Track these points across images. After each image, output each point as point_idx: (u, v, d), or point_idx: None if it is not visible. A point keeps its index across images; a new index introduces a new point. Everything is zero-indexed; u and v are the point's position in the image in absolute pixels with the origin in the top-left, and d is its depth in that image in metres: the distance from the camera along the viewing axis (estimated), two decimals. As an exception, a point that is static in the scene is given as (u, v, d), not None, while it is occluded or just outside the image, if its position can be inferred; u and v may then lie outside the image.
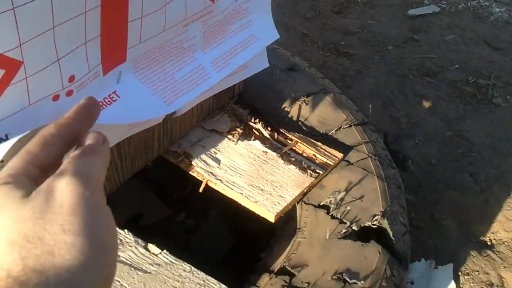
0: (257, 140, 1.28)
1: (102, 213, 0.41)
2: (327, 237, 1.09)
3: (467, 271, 1.60)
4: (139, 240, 1.04)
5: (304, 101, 1.43)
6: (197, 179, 1.20)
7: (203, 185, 1.18)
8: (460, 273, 1.59)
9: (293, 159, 1.24)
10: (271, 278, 1.02)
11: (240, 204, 1.16)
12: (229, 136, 1.29)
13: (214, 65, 1.14)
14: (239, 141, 1.28)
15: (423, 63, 2.44)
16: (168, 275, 1.00)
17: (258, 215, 1.14)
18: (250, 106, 1.42)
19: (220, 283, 1.00)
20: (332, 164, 1.24)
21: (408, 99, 2.20)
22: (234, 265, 1.45)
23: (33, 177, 0.42)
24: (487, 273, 1.60)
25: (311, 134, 1.35)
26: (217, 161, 1.23)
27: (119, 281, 0.98)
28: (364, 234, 1.11)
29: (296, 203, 1.17)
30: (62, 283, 0.35)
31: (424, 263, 1.52)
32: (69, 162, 0.43)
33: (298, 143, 1.29)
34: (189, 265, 1.02)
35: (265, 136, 1.30)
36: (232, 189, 1.16)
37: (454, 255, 1.64)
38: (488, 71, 2.43)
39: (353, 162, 1.26)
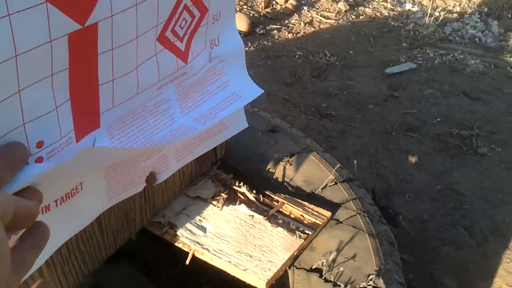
0: (242, 204, 1.23)
1: None
2: (322, 302, 1.02)
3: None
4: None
5: (288, 161, 1.40)
6: (183, 250, 1.14)
7: (189, 256, 1.12)
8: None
9: (281, 221, 1.19)
10: None
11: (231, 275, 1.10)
12: (214, 202, 1.24)
13: (198, 121, 1.11)
14: (224, 207, 1.23)
15: (405, 119, 2.44)
16: None
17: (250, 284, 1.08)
18: (233, 170, 1.39)
19: None
20: (321, 223, 1.19)
21: (393, 155, 2.18)
22: None
23: None
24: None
25: (298, 194, 1.31)
26: (203, 229, 1.17)
27: None
28: (360, 296, 1.04)
29: (287, 268, 1.11)
30: None
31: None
32: None
33: (285, 204, 1.24)
34: None
35: (251, 200, 1.25)
36: (220, 257, 1.10)
37: (458, 314, 1.56)
38: (470, 122, 2.44)
39: (342, 220, 1.21)
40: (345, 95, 2.65)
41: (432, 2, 4.06)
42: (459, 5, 4.09)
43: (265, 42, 3.17)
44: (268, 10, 3.63)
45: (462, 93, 2.71)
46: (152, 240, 1.21)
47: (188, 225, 1.17)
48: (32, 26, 0.66)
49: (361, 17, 3.74)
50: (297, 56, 3.04)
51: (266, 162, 1.41)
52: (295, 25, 3.49)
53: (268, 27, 3.39)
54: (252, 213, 1.20)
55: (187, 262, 1.11)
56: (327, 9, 3.76)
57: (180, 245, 1.13)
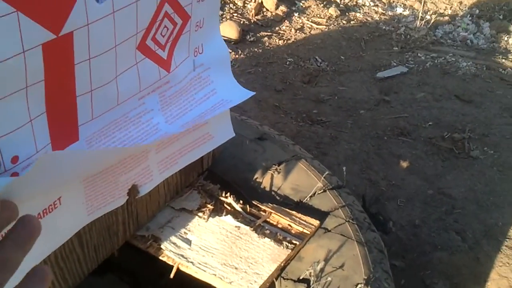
0: (229, 215, 1.21)
1: None
2: (310, 313, 1.00)
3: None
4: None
5: (276, 169, 1.38)
6: (167, 264, 1.12)
7: (174, 270, 1.10)
8: None
9: (268, 231, 1.17)
10: None
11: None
12: (200, 214, 1.22)
13: (185, 127, 1.09)
14: (210, 218, 1.21)
15: (397, 123, 2.43)
16: None
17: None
18: (220, 180, 1.37)
19: None
20: (309, 233, 1.17)
21: (385, 160, 2.17)
22: None
23: None
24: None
25: (285, 203, 1.29)
26: (188, 242, 1.15)
27: None
28: (349, 306, 1.03)
29: (274, 279, 1.09)
30: None
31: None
32: None
33: (272, 214, 1.22)
34: None
35: (237, 210, 1.23)
36: (205, 270, 1.08)
37: (451, 320, 1.55)
38: (462, 125, 2.43)
39: (330, 229, 1.19)
40: (336, 100, 2.64)
41: (423, 5, 4.06)
42: (450, 7, 4.09)
43: (256, 49, 3.16)
44: (259, 17, 3.62)
45: (454, 96, 2.71)
46: (138, 251, 1.19)
47: (173, 238, 1.15)
48: (2, 36, 0.64)
49: (352, 22, 3.73)
50: (288, 63, 3.03)
51: (254, 170, 1.39)
52: (285, 31, 3.48)
53: (258, 34, 3.38)
54: (238, 224, 1.18)
55: (171, 275, 1.09)
56: (318, 15, 3.76)
57: (164, 259, 1.11)
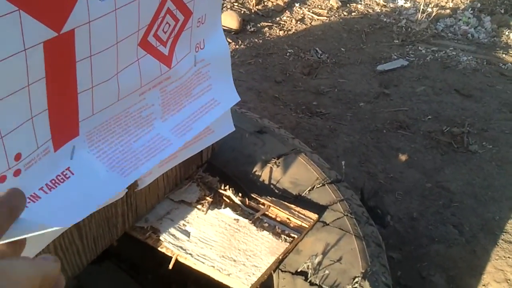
0: (227, 208, 1.22)
1: None
2: (307, 306, 1.02)
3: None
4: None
5: (275, 163, 1.39)
6: (166, 255, 1.13)
7: (172, 261, 1.11)
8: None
9: (266, 224, 1.19)
10: None
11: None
12: (199, 206, 1.23)
13: (174, 132, 1.10)
14: (209, 211, 1.22)
15: (396, 116, 2.44)
16: None
17: (235, 287, 1.07)
18: (220, 172, 1.38)
19: None
20: (307, 226, 1.18)
21: (384, 153, 2.18)
22: None
23: None
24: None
25: (284, 197, 1.30)
26: (187, 233, 1.17)
27: None
28: (345, 299, 1.04)
29: (272, 272, 1.11)
30: None
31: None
32: None
33: (271, 207, 1.24)
34: None
35: (236, 203, 1.25)
36: (203, 262, 1.09)
37: (446, 312, 1.57)
38: (461, 119, 2.43)
39: (329, 223, 1.21)
40: (336, 93, 2.64)
41: (425, -3, 4.05)
42: (452, 0, 4.08)
43: (256, 40, 3.16)
44: (259, 7, 3.61)
45: (454, 90, 2.71)
46: (137, 241, 1.20)
47: (172, 230, 1.16)
48: (4, 34, 0.65)
49: (353, 13, 3.73)
50: (288, 54, 3.03)
51: (253, 164, 1.41)
52: (286, 22, 3.48)
53: (259, 25, 3.37)
54: (237, 216, 1.19)
55: (170, 266, 1.10)
56: (319, 6, 3.75)
57: (163, 250, 1.12)
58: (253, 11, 3.55)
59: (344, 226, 1.20)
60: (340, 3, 3.83)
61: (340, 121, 2.38)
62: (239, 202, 1.25)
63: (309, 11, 3.65)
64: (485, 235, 1.80)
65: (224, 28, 3.16)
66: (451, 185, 2.01)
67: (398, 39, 3.38)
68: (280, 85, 2.68)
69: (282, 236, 1.15)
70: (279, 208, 1.23)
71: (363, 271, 1.09)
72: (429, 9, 3.87)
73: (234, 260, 1.09)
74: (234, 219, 1.19)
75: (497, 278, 1.65)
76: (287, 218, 1.21)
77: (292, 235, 1.16)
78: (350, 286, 1.06)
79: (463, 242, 1.78)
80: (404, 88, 2.71)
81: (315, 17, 3.59)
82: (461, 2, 4.07)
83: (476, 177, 2.07)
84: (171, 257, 1.12)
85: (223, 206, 1.23)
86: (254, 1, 3.62)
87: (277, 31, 3.33)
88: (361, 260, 1.11)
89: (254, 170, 1.39)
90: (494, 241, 1.78)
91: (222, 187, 1.29)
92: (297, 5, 3.73)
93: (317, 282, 1.07)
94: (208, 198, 1.25)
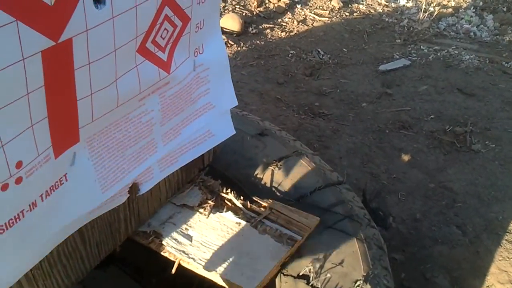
0: (229, 212, 1.23)
1: None
2: (309, 309, 1.02)
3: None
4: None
5: (277, 165, 1.40)
6: (169, 259, 1.14)
7: (175, 266, 1.12)
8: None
9: (268, 228, 1.19)
10: None
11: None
12: (201, 210, 1.24)
13: (164, 137, 1.11)
14: (211, 214, 1.22)
15: (399, 116, 2.44)
16: None
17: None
18: (221, 175, 1.38)
19: None
20: (309, 229, 1.18)
21: (386, 154, 2.18)
22: None
23: None
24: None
25: (286, 199, 1.30)
26: (189, 238, 1.17)
27: None
28: (347, 302, 1.04)
29: (274, 275, 1.11)
30: None
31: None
32: None
33: (273, 211, 1.24)
34: None
35: (238, 206, 1.25)
36: (206, 266, 1.10)
37: (450, 313, 1.56)
38: (464, 118, 2.43)
39: (330, 225, 1.21)
40: (338, 93, 2.64)
41: (427, -4, 4.04)
42: (454, -1, 4.08)
43: (258, 42, 3.17)
44: (261, 9, 3.62)
45: (457, 89, 2.71)
46: (141, 245, 1.20)
47: (174, 234, 1.16)
48: (2, 45, 0.66)
49: (354, 14, 3.73)
50: (290, 55, 3.03)
51: (254, 166, 1.41)
52: (288, 23, 3.48)
53: (261, 26, 3.38)
54: (239, 220, 1.20)
55: (173, 271, 1.11)
56: (321, 7, 3.75)
57: (166, 254, 1.13)
58: (254, 13, 3.55)
59: (345, 229, 1.20)
60: (341, 4, 3.83)
61: (343, 122, 2.38)
62: (240, 206, 1.25)
63: (310, 12, 3.65)
64: (489, 235, 1.80)
65: (226, 30, 3.16)
66: (454, 185, 2.01)
67: (400, 38, 3.38)
68: (282, 86, 2.68)
69: (284, 239, 1.15)
70: (280, 211, 1.23)
71: (364, 274, 1.09)
72: (431, 8, 3.86)
73: (237, 264, 1.09)
74: (236, 223, 1.19)
75: (501, 279, 1.65)
76: (289, 221, 1.21)
77: (294, 238, 1.16)
78: (352, 289, 1.06)
79: (467, 243, 1.77)
80: (407, 87, 2.71)
81: (317, 18, 3.59)
82: (463, 0, 4.07)
83: (479, 177, 2.06)
84: (174, 261, 1.13)
85: (225, 210, 1.23)
86: (255, 3, 3.62)
87: (279, 32, 3.33)
88: (363, 263, 1.12)
89: (256, 173, 1.39)
90: (497, 241, 1.78)
91: (224, 191, 1.29)
92: (298, 6, 3.73)
93: (319, 286, 1.07)
94: (210, 201, 1.25)
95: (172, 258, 1.12)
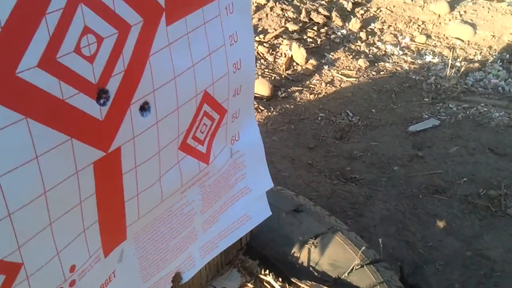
0: (268, 294, 1.24)
1: None
2: None
3: None
4: None
5: (313, 243, 1.41)
6: None
7: None
8: None
9: (307, 311, 1.19)
10: None
11: None
12: (240, 293, 1.25)
13: (204, 224, 1.14)
14: (250, 297, 1.24)
15: (431, 180, 2.43)
16: None
17: None
18: (259, 254, 1.40)
19: None
20: (348, 313, 1.19)
21: (421, 220, 2.17)
22: None
23: None
24: None
25: (324, 280, 1.31)
26: (229, 322, 1.18)
27: None
28: None
29: None
30: None
31: None
32: None
33: (311, 293, 1.25)
34: None
35: (277, 289, 1.26)
36: None
37: None
38: (497, 181, 2.41)
39: (370, 308, 1.21)
40: (369, 156, 2.66)
41: (452, 52, 4.08)
42: (480, 53, 4.10)
43: (288, 106, 3.22)
44: (289, 72, 3.69)
45: (488, 149, 2.70)
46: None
47: (216, 321, 1.18)
48: (58, 162, 0.70)
49: (381, 72, 3.77)
50: (319, 118, 3.07)
51: (291, 245, 1.42)
52: (316, 85, 3.54)
53: (289, 90, 3.44)
54: (278, 304, 1.21)
55: None
56: (347, 67, 3.81)
57: None
58: (283, 76, 3.63)
59: (385, 311, 1.20)
60: (368, 63, 3.89)
61: (375, 187, 2.39)
62: (279, 288, 1.26)
63: (337, 73, 3.71)
64: (531, 305, 1.76)
65: (256, 95, 3.23)
66: (492, 252, 1.98)
67: (428, 97, 3.40)
68: (313, 151, 2.72)
69: (324, 324, 1.16)
70: (319, 294, 1.24)
71: None
72: (458, 64, 3.89)
73: None
74: (276, 307, 1.20)
75: None
76: (328, 304, 1.22)
77: (334, 322, 1.16)
78: None
79: (509, 313, 1.74)
80: (437, 149, 2.71)
81: (344, 78, 3.65)
82: (490, 54, 4.09)
83: (517, 243, 2.04)
84: None
85: (264, 293, 1.24)
86: (284, 67, 3.70)
87: (308, 95, 3.39)
88: None
89: (293, 251, 1.40)
90: (540, 311, 1.74)
91: (263, 272, 1.30)
92: (325, 67, 3.79)
93: None
94: (249, 284, 1.27)
95: None
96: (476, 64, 3.92)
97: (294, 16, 4.24)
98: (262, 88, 3.30)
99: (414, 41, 4.27)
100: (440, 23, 4.51)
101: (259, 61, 3.76)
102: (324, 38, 4.12)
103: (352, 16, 4.45)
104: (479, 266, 1.92)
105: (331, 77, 3.65)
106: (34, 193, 0.68)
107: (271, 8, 4.28)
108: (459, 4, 4.67)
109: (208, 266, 1.25)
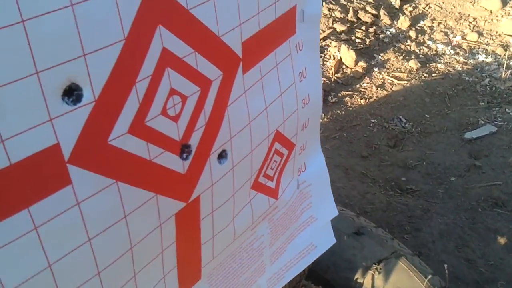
0: (334, 323, 1.24)
1: None
2: None
3: None
4: None
5: (376, 269, 1.40)
6: None
7: None
8: None
9: None
10: None
11: None
12: (305, 321, 1.25)
13: (271, 257, 1.14)
14: (316, 326, 1.24)
15: (490, 192, 2.38)
16: None
17: None
18: (321, 278, 1.40)
19: None
20: None
21: (481, 236, 2.12)
22: None
23: None
24: None
25: (389, 309, 1.30)
26: None
27: None
28: None
29: None
30: None
31: None
32: None
33: (378, 323, 1.24)
34: None
35: (342, 318, 1.26)
36: None
37: None
38: (560, 192, 2.34)
39: None
40: (424, 166, 2.62)
41: (507, 50, 3.96)
42: (536, 52, 3.97)
43: (339, 111, 3.20)
44: (339, 75, 3.66)
45: (549, 157, 2.62)
46: None
47: None
48: (144, 218, 0.72)
49: (433, 74, 3.70)
50: (371, 124, 3.04)
51: (354, 270, 1.42)
52: (366, 89, 3.50)
53: (340, 94, 3.41)
54: (346, 336, 1.21)
55: None
56: (398, 69, 3.75)
57: None
58: (332, 79, 3.60)
59: None
60: (419, 64, 3.81)
61: (432, 199, 2.35)
62: (345, 318, 1.26)
63: (388, 75, 3.66)
64: None
65: (306, 101, 3.21)
66: (558, 271, 1.93)
67: (483, 101, 3.32)
68: (367, 160, 2.69)
69: None
70: (386, 324, 1.23)
71: None
72: (512, 63, 3.78)
73: None
74: None
75: None
76: (395, 335, 1.21)
77: None
78: None
79: None
80: (495, 158, 2.64)
81: (395, 81, 3.59)
82: (546, 53, 3.96)
83: None
84: None
85: (330, 324, 1.24)
86: (333, 70, 3.67)
87: (358, 99, 3.35)
88: None
89: (356, 277, 1.40)
90: None
91: (326, 299, 1.31)
92: (375, 69, 3.74)
93: None
94: (313, 312, 1.27)
95: None
96: (533, 64, 3.80)
97: (342, 16, 4.19)
98: (312, 93, 3.29)
99: (465, 39, 4.17)
100: (492, 19, 4.39)
101: (308, 64, 3.74)
102: (372, 38, 4.06)
103: (400, 14, 4.37)
104: (544, 287, 1.87)
105: (382, 80, 3.60)
106: (122, 250, 0.70)
107: (320, 10, 4.24)
108: (512, 0, 4.53)
109: (274, 294, 1.26)
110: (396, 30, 4.19)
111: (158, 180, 0.72)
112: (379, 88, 3.49)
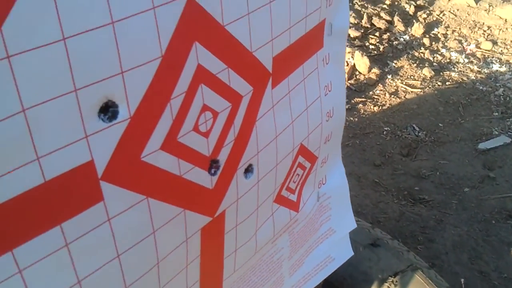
0: (350, 337, 1.23)
1: None
2: None
3: None
4: None
5: (393, 281, 1.39)
6: None
7: None
8: None
9: None
10: None
11: None
12: (321, 334, 1.25)
13: (290, 269, 1.14)
14: None
15: (504, 204, 2.36)
16: None
17: None
18: (337, 290, 1.39)
19: None
20: None
21: (495, 249, 2.11)
22: None
23: None
24: None
25: (406, 324, 1.29)
26: None
27: None
28: None
29: None
30: None
31: None
32: None
33: (394, 338, 1.23)
34: None
35: (359, 331, 1.25)
36: None
37: None
38: None
39: None
40: (438, 176, 2.60)
41: (521, 60, 3.94)
42: (550, 63, 3.95)
43: (352, 118, 3.19)
44: (352, 81, 3.65)
45: None
46: None
47: None
48: (171, 233, 0.72)
49: (447, 83, 3.68)
50: (385, 132, 3.03)
51: (370, 282, 1.41)
52: (380, 96, 3.48)
53: (353, 101, 3.40)
54: None
55: None
56: (412, 77, 3.73)
57: None
58: (346, 86, 3.59)
59: None
60: (433, 72, 3.79)
61: (445, 210, 2.34)
62: (361, 332, 1.25)
63: (402, 83, 3.64)
64: None
65: (320, 107, 3.20)
66: None
67: (497, 111, 3.29)
68: (380, 168, 2.68)
69: None
70: None
71: None
72: (527, 73, 3.76)
73: None
74: None
75: None
76: None
77: None
78: None
79: None
80: (509, 169, 2.62)
81: (409, 89, 3.57)
82: (561, 64, 3.93)
83: None
84: None
85: (346, 337, 1.24)
86: (346, 76, 3.66)
87: (371, 107, 3.34)
88: None
89: (372, 290, 1.39)
90: None
91: (343, 312, 1.30)
92: (389, 77, 3.73)
93: None
94: (330, 326, 1.26)
95: None
96: (547, 73, 3.78)
97: (356, 21, 4.17)
98: (326, 99, 3.28)
99: (479, 48, 4.15)
100: (506, 28, 4.36)
101: (321, 69, 3.73)
102: (386, 44, 4.04)
103: (414, 21, 4.35)
104: (559, 303, 1.86)
105: (395, 87, 3.59)
106: (149, 265, 0.70)
107: (334, 15, 4.23)
108: (528, 10, 4.50)
109: (290, 306, 1.25)
110: (410, 37, 4.17)
111: (187, 196, 0.71)
112: (392, 96, 3.47)
